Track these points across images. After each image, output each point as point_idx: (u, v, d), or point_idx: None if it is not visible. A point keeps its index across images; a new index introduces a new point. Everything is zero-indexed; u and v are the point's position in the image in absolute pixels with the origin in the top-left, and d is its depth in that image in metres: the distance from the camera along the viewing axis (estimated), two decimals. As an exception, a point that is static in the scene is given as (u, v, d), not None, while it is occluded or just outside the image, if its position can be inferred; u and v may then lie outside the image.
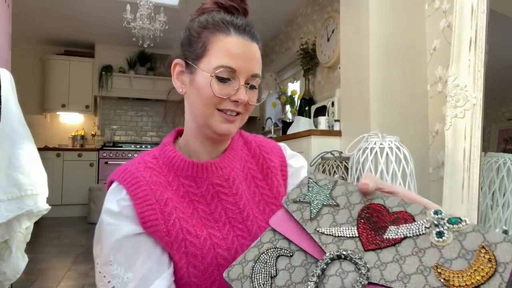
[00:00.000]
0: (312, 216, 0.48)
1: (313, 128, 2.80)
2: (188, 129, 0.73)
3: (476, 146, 1.41)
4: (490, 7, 1.43)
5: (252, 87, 0.68)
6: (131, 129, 5.79)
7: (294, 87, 4.35)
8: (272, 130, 4.46)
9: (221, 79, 0.64)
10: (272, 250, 0.49)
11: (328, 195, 0.49)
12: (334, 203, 0.48)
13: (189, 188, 0.68)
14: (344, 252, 0.42)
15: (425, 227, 0.40)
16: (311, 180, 0.53)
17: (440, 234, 0.38)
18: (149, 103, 5.80)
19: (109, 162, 5.02)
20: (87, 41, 5.27)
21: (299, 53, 3.72)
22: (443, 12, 1.94)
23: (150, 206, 0.62)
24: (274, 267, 0.47)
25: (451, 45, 1.51)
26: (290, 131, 2.97)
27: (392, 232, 0.41)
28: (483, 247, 0.36)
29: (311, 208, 0.49)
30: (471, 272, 0.35)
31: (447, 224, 0.39)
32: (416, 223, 0.41)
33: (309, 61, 3.60)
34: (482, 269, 0.35)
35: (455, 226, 0.38)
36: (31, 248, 2.43)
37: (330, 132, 2.37)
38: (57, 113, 5.44)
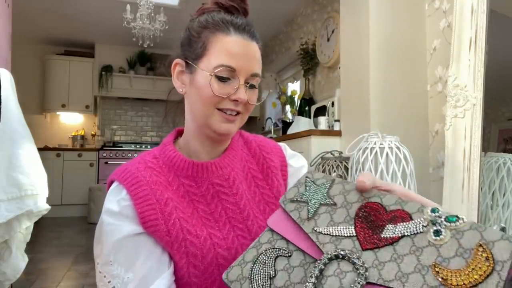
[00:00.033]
0: (309, 216, 0.48)
1: (313, 128, 2.80)
2: (188, 129, 0.73)
3: (476, 146, 1.41)
4: (490, 7, 1.43)
5: (252, 87, 0.68)
6: (131, 129, 5.79)
7: (294, 87, 4.35)
8: (272, 130, 4.45)
9: (220, 79, 0.64)
10: (270, 250, 0.49)
11: (325, 194, 0.49)
12: (332, 202, 0.48)
13: (189, 188, 0.68)
14: (342, 252, 0.42)
15: (423, 225, 0.40)
16: (308, 179, 0.52)
17: (437, 233, 0.38)
18: (149, 103, 5.79)
19: (109, 162, 5.02)
20: (87, 41, 5.27)
21: (299, 53, 3.72)
22: (443, 12, 1.94)
23: (150, 206, 0.62)
24: (273, 267, 0.47)
25: (451, 45, 1.51)
26: (290, 131, 2.97)
27: (389, 231, 0.41)
28: (480, 245, 0.35)
29: (309, 207, 0.49)
30: (469, 271, 0.35)
31: (444, 222, 0.39)
32: (413, 221, 0.40)
33: (309, 61, 3.60)
34: (480, 267, 0.34)
35: (452, 224, 0.38)
36: (31, 248, 2.44)
37: (330, 132, 2.37)
38: (57, 113, 5.44)
